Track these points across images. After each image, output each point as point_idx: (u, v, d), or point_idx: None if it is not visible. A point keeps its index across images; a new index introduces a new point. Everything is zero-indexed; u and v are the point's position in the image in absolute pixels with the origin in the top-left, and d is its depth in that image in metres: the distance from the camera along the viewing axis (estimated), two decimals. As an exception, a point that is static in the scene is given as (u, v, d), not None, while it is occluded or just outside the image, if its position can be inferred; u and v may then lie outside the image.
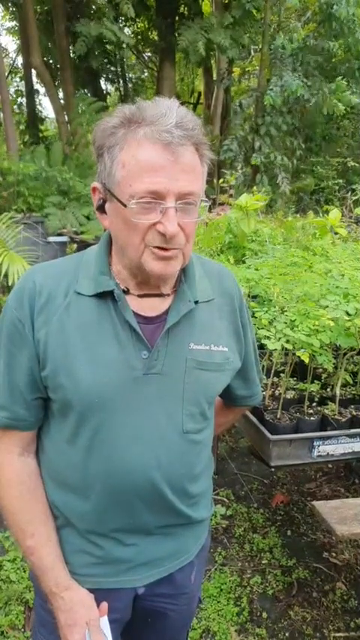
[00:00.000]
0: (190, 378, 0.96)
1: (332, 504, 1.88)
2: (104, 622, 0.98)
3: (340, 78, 8.72)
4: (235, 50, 8.92)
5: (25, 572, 2.21)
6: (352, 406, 2.11)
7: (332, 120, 9.63)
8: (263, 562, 2.36)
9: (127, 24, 11.14)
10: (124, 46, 8.69)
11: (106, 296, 0.92)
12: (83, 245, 6.16)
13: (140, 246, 0.86)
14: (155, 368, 0.93)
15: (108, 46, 10.99)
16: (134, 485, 0.94)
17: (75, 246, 6.64)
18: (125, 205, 0.83)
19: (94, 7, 10.02)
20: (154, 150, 0.80)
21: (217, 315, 1.03)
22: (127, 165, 0.82)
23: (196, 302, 0.98)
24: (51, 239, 6.93)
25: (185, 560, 1.08)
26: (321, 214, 4.29)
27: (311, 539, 2.52)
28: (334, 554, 2.42)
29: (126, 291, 0.94)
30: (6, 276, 4.28)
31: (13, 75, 15.14)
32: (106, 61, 11.49)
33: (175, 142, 0.80)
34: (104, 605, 0.99)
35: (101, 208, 0.91)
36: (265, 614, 2.07)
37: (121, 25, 9.01)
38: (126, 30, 11.15)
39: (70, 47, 9.19)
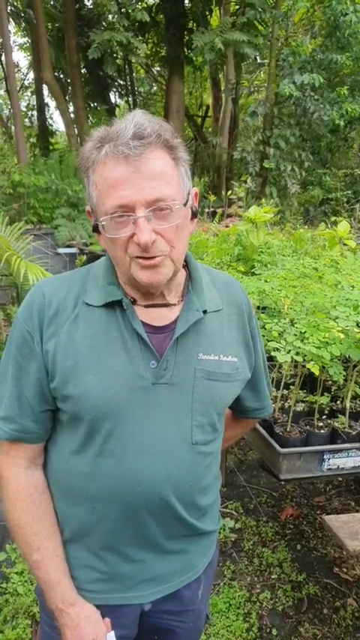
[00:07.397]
0: (199, 388, 0.95)
1: (342, 519, 1.86)
2: (111, 638, 0.97)
3: (346, 89, 8.79)
4: (250, 49, 8.94)
5: (32, 584, 2.19)
6: (363, 419, 2.10)
7: (338, 131, 9.68)
8: (273, 577, 2.32)
9: (138, 39, 11.36)
10: (138, 51, 8.80)
11: (114, 306, 0.93)
12: (92, 256, 6.20)
13: (126, 258, 0.88)
14: (164, 378, 0.93)
15: (118, 61, 11.20)
16: (142, 497, 0.93)
17: (84, 257, 6.69)
18: (101, 224, 0.86)
19: (104, 23, 10.22)
20: (117, 165, 0.82)
21: (227, 325, 1.02)
22: (98, 186, 0.85)
23: (205, 311, 0.98)
24: (60, 250, 7.00)
25: (192, 577, 1.07)
26: (329, 226, 4.29)
27: (321, 554, 2.49)
28: (345, 570, 2.38)
29: (133, 302, 0.95)
30: (17, 287, 4.29)
31: (24, 90, 15.46)
32: (115, 74, 11.69)
33: (133, 152, 0.81)
34: (107, 620, 0.99)
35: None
36: (274, 631, 2.03)
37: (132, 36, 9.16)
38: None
39: (84, 54, 9.38)
